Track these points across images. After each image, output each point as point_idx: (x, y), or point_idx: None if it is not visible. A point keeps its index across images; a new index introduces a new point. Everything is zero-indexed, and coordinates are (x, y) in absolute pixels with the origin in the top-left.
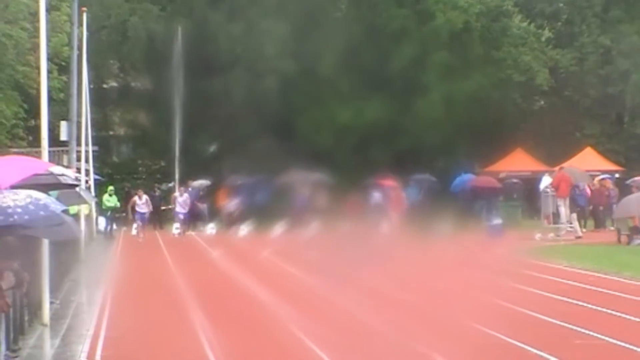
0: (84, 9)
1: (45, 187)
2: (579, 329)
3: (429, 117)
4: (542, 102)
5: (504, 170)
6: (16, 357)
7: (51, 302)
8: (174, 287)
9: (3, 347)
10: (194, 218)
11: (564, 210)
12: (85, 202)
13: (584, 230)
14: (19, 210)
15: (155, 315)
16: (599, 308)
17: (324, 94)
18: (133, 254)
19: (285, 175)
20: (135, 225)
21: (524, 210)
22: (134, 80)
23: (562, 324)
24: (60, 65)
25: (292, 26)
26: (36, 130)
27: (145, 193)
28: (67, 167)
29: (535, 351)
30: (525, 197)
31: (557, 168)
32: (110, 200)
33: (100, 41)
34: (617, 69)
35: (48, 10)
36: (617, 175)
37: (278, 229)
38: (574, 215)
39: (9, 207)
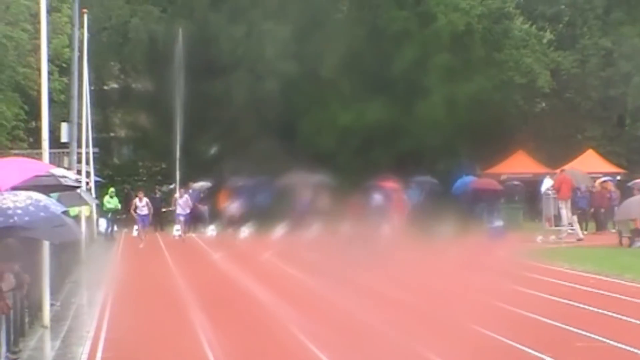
0: (85, 10)
1: (46, 189)
2: (580, 331)
3: (431, 119)
4: (544, 104)
5: (505, 172)
6: (16, 358)
7: (52, 304)
8: (174, 289)
9: (3, 348)
10: (194, 220)
11: (565, 213)
12: (86, 203)
13: (585, 232)
14: (19, 211)
15: (156, 316)
16: (600, 310)
17: (326, 95)
18: (134, 255)
19: (287, 177)
20: (135, 227)
21: (525, 212)
22: (134, 81)
23: (563, 326)
24: (61, 67)
25: (294, 28)
26: (37, 131)
27: (146, 195)
28: (68, 168)
29: (536, 353)
30: (527, 199)
31: (558, 170)
32: (111, 201)
33: (101, 43)
34: (618, 71)
35: (49, 12)
36: (618, 178)
37: (279, 231)
38: (575, 218)
39: (9, 208)
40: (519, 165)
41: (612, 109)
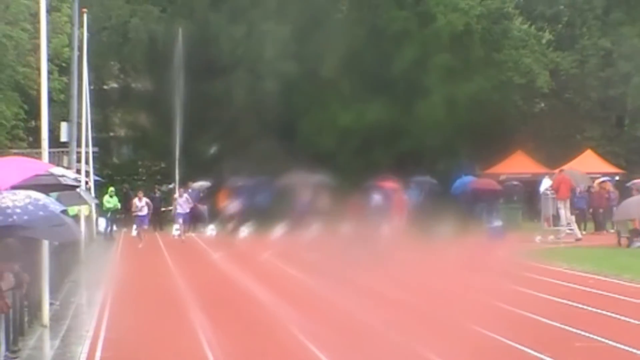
0: (85, 10)
1: (45, 188)
2: (579, 331)
3: (430, 119)
4: (543, 105)
5: (504, 172)
6: (16, 358)
7: (51, 303)
8: (174, 288)
9: (3, 348)
10: (194, 219)
11: (564, 213)
12: (85, 203)
13: (583, 232)
14: (18, 210)
15: (155, 316)
16: (599, 311)
17: (326, 96)
18: (133, 255)
19: (287, 177)
20: (135, 227)
21: (524, 212)
22: (134, 81)
23: (562, 326)
24: (61, 66)
25: (294, 28)
26: (36, 131)
27: (145, 195)
28: (67, 168)
29: (535, 353)
30: (526, 200)
31: (557, 170)
32: (111, 201)
33: (100, 42)
34: (617, 72)
35: (48, 11)
36: (617, 178)
37: (279, 231)
38: (572, 217)
39: (8, 207)
40: (518, 165)
41: (611, 110)
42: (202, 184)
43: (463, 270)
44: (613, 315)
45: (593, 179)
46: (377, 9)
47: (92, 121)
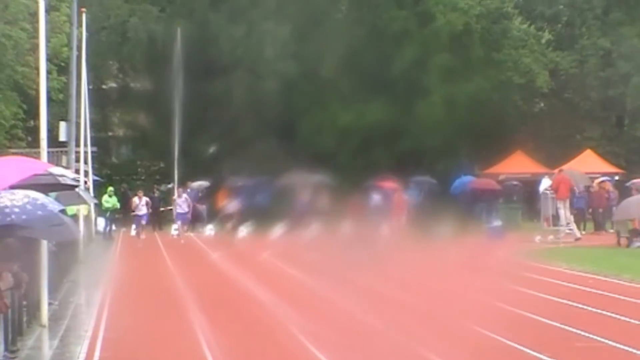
0: (84, 9)
1: (44, 188)
2: (579, 331)
3: (430, 119)
4: (542, 105)
5: (503, 172)
6: (15, 358)
7: (50, 303)
8: (172, 288)
9: (2, 347)
10: (193, 219)
11: (563, 213)
12: (84, 202)
13: (583, 232)
14: (16, 210)
15: (154, 316)
16: (599, 311)
17: (325, 96)
18: (132, 255)
19: (286, 177)
20: (134, 226)
21: (524, 212)
22: (133, 81)
23: (562, 326)
24: (60, 66)
25: (293, 28)
26: (35, 130)
27: (145, 194)
28: (66, 167)
29: (535, 354)
30: (525, 199)
31: (556, 170)
32: (110, 201)
33: (99, 42)
34: (617, 72)
35: (47, 11)
36: (616, 178)
37: (278, 231)
38: (571, 217)
39: (6, 207)
40: (517, 165)
41: (611, 109)
42: (201, 183)
43: (463, 270)
44: (613, 315)
45: (592, 179)
46: (377, 8)
47: (91, 121)
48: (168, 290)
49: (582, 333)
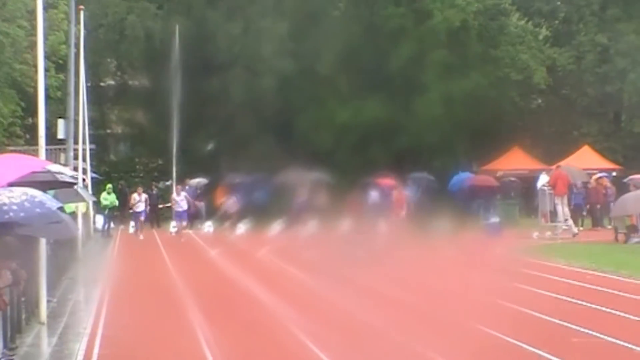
0: (82, 7)
1: (42, 185)
2: (576, 327)
3: (428, 116)
4: (540, 101)
5: (501, 168)
6: (13, 355)
7: (48, 300)
8: (171, 286)
9: (0, 345)
10: (191, 216)
11: (561, 209)
12: (83, 200)
13: (581, 228)
14: (14, 207)
15: (153, 313)
16: (597, 306)
17: (323, 93)
18: (130, 252)
19: (284, 174)
20: (132, 224)
21: (522, 208)
22: (131, 78)
23: (559, 322)
24: (58, 64)
25: (291, 25)
26: (33, 128)
27: (143, 191)
28: (65, 165)
29: (532, 349)
30: (523, 196)
31: (554, 166)
32: (108, 198)
33: (97, 39)
34: (614, 68)
35: (45, 9)
36: (614, 174)
37: (276, 228)
38: (568, 213)
39: (4, 204)
40: (515, 161)
41: (608, 106)
42: (199, 180)
43: (461, 268)
44: (611, 311)
45: (590, 175)
46: (374, 5)
47: (89, 118)
48: (167, 287)
49: (580, 329)
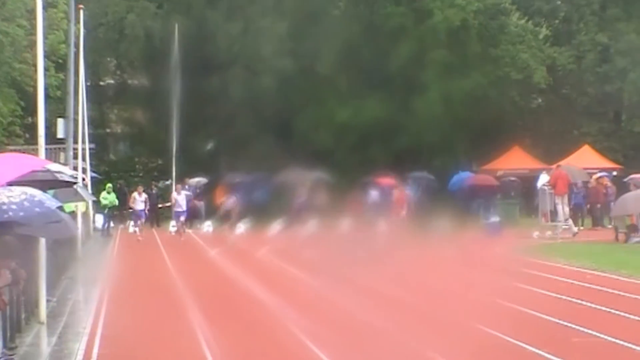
0: (81, 6)
1: (42, 184)
2: (576, 327)
3: (428, 116)
4: (540, 100)
5: (501, 168)
6: (13, 354)
7: (48, 300)
8: (170, 285)
9: (0, 344)
10: (191, 216)
11: (561, 208)
12: (82, 199)
13: (581, 228)
14: (13, 206)
15: (153, 313)
16: (597, 306)
17: (322, 92)
18: (130, 251)
19: (284, 173)
20: (132, 223)
21: (522, 208)
22: (131, 77)
23: (560, 322)
24: (57, 63)
25: (290, 25)
26: (33, 127)
27: (143, 191)
28: (64, 164)
29: (532, 349)
30: (523, 195)
31: (554, 166)
32: (108, 197)
33: (97, 39)
34: (615, 67)
35: (45, 8)
36: (614, 173)
37: (276, 227)
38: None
39: (3, 203)
40: (515, 161)
41: (608, 105)
42: (199, 180)
43: (461, 267)
44: (611, 310)
45: (590, 175)
46: (374, 5)
47: (88, 118)
48: (166, 287)
49: (580, 329)
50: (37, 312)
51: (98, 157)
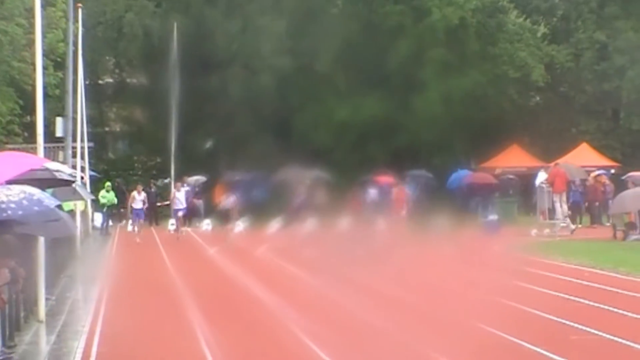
0: (80, 5)
1: (41, 183)
2: (575, 324)
3: (426, 114)
4: (538, 98)
5: (499, 166)
6: (12, 353)
7: (47, 299)
8: (169, 284)
9: None
10: (190, 214)
11: (559, 206)
12: (81, 198)
13: (579, 225)
14: (12, 205)
15: (152, 311)
16: (595, 304)
17: (321, 90)
18: (129, 250)
19: (283, 172)
20: (130, 222)
21: (520, 206)
22: (129, 76)
23: (558, 319)
24: (56, 62)
25: (289, 23)
26: (32, 126)
27: (142, 189)
28: (63, 163)
29: (531, 347)
30: (521, 193)
31: (552, 164)
32: (106, 196)
33: (95, 37)
34: (613, 65)
35: (43, 7)
36: (612, 171)
37: (275, 226)
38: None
39: (2, 202)
40: (513, 159)
41: (606, 103)
42: (197, 178)
43: (460, 266)
44: (609, 308)
45: (588, 172)
46: (372, 3)
47: (87, 116)
48: (165, 285)
49: (579, 326)
50: (36, 311)
51: (97, 155)
